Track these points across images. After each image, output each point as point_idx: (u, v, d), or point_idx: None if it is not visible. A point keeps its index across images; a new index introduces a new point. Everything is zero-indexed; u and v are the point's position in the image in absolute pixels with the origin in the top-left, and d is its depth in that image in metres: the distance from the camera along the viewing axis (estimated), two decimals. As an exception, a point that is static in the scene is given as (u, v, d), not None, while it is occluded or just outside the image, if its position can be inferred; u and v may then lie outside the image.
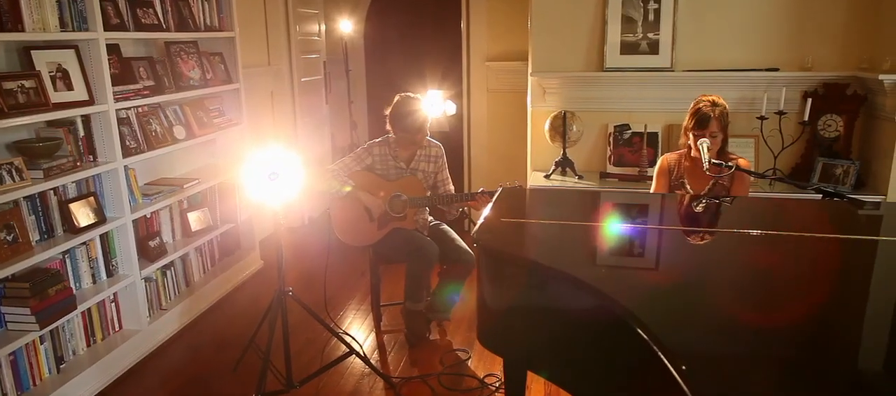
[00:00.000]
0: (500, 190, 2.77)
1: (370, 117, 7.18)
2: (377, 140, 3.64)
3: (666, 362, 1.35)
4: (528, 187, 4.06)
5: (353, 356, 3.33)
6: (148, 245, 3.66)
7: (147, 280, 3.64)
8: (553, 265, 1.94)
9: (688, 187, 3.05)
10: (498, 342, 2.08)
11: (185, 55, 3.94)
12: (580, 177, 4.05)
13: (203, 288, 4.10)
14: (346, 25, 6.31)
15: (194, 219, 4.10)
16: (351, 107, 6.63)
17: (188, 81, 3.92)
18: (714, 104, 2.95)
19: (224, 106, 4.38)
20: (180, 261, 3.99)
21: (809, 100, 3.78)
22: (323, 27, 6.05)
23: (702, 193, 2.99)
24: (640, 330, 1.47)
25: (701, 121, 2.92)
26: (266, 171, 2.81)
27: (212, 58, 4.22)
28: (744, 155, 3.86)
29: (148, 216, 3.72)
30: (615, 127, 4.11)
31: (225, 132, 4.29)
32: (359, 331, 3.81)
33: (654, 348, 1.40)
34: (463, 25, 5.37)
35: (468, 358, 3.46)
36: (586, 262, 2.09)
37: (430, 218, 3.76)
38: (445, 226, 3.73)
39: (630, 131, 4.09)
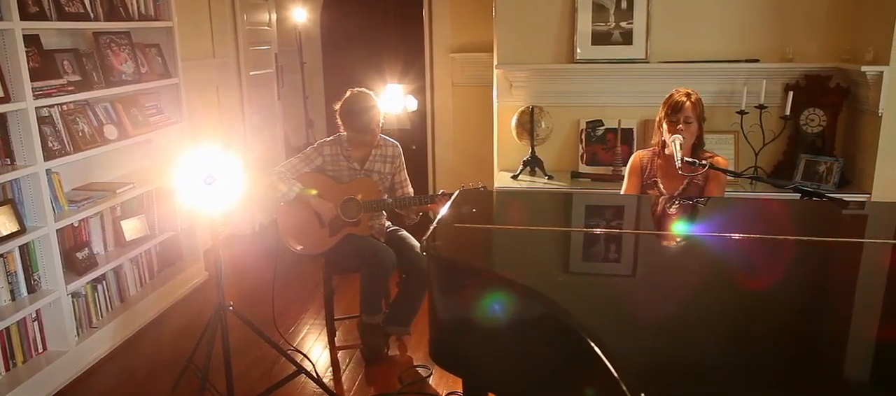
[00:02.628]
0: (457, 192, 2.75)
1: (328, 114, 7.11)
2: (328, 139, 3.60)
3: (623, 387, 1.34)
4: (494, 189, 4.05)
5: (303, 375, 3.28)
6: (75, 257, 3.57)
7: (74, 295, 3.55)
8: (507, 274, 1.92)
9: (661, 187, 3.06)
10: (450, 358, 2.06)
11: (116, 47, 3.85)
12: (550, 178, 4.05)
13: (139, 304, 4.02)
14: (301, 14, 6.25)
15: (129, 228, 4.01)
16: (306, 102, 6.57)
17: (120, 76, 3.83)
18: (688, 94, 2.99)
19: (162, 103, 4.30)
20: (113, 274, 3.90)
21: (791, 94, 3.83)
22: (274, 16, 5.98)
23: (675, 194, 3.01)
24: (593, 345, 1.45)
25: (674, 107, 2.94)
26: (202, 175, 2.76)
27: (147, 50, 4.14)
28: (723, 152, 3.90)
29: (75, 224, 3.63)
30: (587, 123, 4.12)
31: (163, 131, 4.21)
32: (312, 348, 3.76)
33: (609, 366, 1.38)
34: (425, 13, 5.35)
35: (429, 376, 3.43)
36: (546, 271, 2.08)
37: (388, 223, 3.73)
38: (404, 232, 3.70)
39: (603, 127, 4.11)
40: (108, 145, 3.72)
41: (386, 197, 3.61)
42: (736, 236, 2.24)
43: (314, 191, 3.46)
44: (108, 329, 3.73)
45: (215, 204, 2.82)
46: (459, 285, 2.02)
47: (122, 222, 3.97)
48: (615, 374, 1.35)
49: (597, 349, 1.44)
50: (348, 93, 3.48)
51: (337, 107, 3.49)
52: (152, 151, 4.36)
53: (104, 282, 3.80)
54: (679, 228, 2.58)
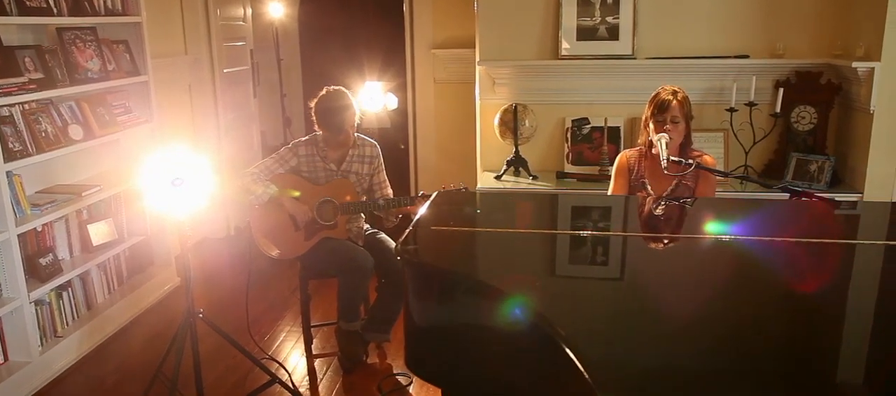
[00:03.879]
0: (435, 194, 2.73)
1: (306, 112, 7.00)
2: (303, 138, 3.58)
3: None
4: (476, 190, 4.04)
5: (278, 384, 3.25)
6: (38, 263, 3.53)
7: (38, 303, 3.51)
8: (485, 279, 1.91)
9: (649, 188, 3.06)
10: (427, 367, 2.04)
11: (81, 43, 3.81)
12: (534, 178, 4.05)
13: (107, 311, 3.98)
14: (277, 9, 6.21)
15: (96, 232, 3.97)
16: (284, 100, 6.54)
17: (85, 73, 3.79)
18: (675, 91, 2.99)
19: (131, 101, 4.26)
20: (79, 281, 3.86)
21: (781, 90, 3.85)
22: (249, 11, 5.94)
23: (664, 194, 3.01)
24: (570, 353, 1.44)
25: (661, 106, 2.94)
26: (169, 177, 2.72)
27: (115, 46, 4.09)
28: (712, 150, 3.91)
29: (38, 229, 3.59)
30: (573, 121, 4.12)
31: (131, 131, 4.17)
32: (288, 356, 3.73)
33: (585, 375, 1.37)
34: (406, 8, 5.34)
35: (410, 384, 3.42)
36: (526, 275, 2.06)
37: (367, 225, 3.71)
38: (383, 235, 3.68)
39: (589, 126, 4.11)
40: (73, 146, 3.68)
41: (364, 198, 3.59)
42: (726, 238, 2.24)
43: (292, 193, 3.44)
44: (74, 338, 3.69)
45: (183, 207, 2.78)
46: (436, 291, 2.01)
47: (88, 226, 3.92)
48: (590, 382, 1.34)
49: (572, 356, 1.43)
50: (324, 91, 3.46)
51: (312, 105, 3.47)
52: (120, 152, 4.32)
53: (70, 289, 3.76)
54: (672, 230, 2.59)
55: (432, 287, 2.01)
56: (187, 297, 2.93)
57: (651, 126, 2.98)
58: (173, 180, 2.73)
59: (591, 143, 4.12)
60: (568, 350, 1.47)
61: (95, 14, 3.89)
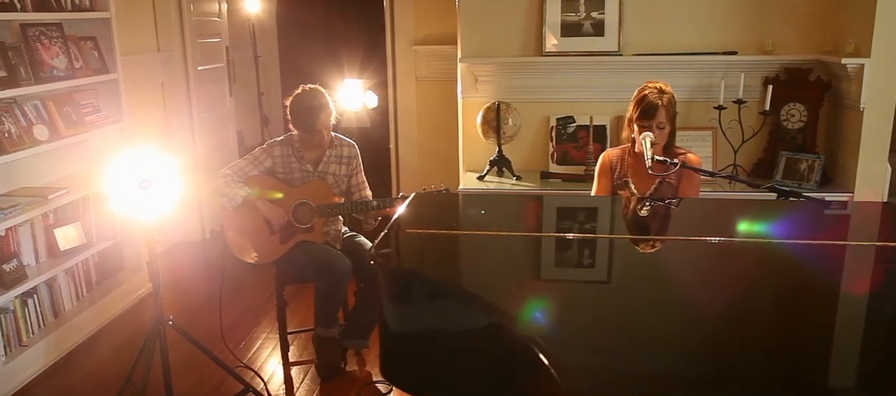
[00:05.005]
0: (412, 196, 2.72)
1: (285, 111, 7.05)
2: (278, 139, 3.56)
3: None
4: (459, 191, 4.03)
5: (252, 393, 3.23)
6: (2, 269, 3.48)
7: (2, 311, 3.47)
8: (462, 284, 1.90)
9: (632, 188, 3.07)
10: (404, 376, 2.03)
11: (46, 40, 3.77)
12: (518, 178, 4.04)
13: (76, 319, 3.94)
14: (254, 5, 6.18)
15: (63, 237, 3.92)
16: (261, 99, 6.52)
17: (51, 71, 3.75)
18: (661, 91, 2.97)
19: (100, 100, 4.21)
20: (46, 287, 3.82)
21: (770, 87, 3.87)
22: (224, 7, 5.91)
23: (647, 195, 3.01)
24: (543, 359, 1.44)
25: (647, 111, 2.94)
26: (136, 178, 2.70)
27: (82, 43, 4.06)
28: (701, 149, 3.92)
29: (2, 234, 3.54)
30: (557, 120, 4.12)
31: (100, 131, 4.12)
32: (264, 364, 3.71)
33: (560, 384, 1.37)
34: (386, 3, 5.32)
35: (389, 392, 3.40)
36: (503, 280, 2.05)
37: (345, 228, 3.70)
38: (362, 238, 3.67)
39: (574, 124, 4.11)
40: (38, 147, 3.64)
41: (342, 200, 3.58)
42: (714, 240, 2.24)
43: (267, 195, 3.42)
44: (39, 346, 3.65)
45: (151, 210, 2.76)
46: (411, 297, 2.00)
47: (55, 230, 3.88)
48: (565, 391, 1.34)
49: (547, 363, 1.42)
50: (298, 90, 3.45)
51: (287, 104, 3.46)
52: (89, 153, 4.27)
53: (35, 296, 3.72)
54: (657, 232, 2.59)
55: (407, 292, 2.00)
56: (156, 304, 2.90)
57: (635, 127, 2.98)
58: (141, 182, 2.70)
59: (576, 142, 4.12)
60: (542, 357, 1.46)
61: (62, 9, 3.85)
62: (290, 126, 3.48)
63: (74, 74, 3.90)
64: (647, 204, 2.85)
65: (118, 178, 2.72)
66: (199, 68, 5.47)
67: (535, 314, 1.79)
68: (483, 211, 2.67)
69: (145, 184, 2.71)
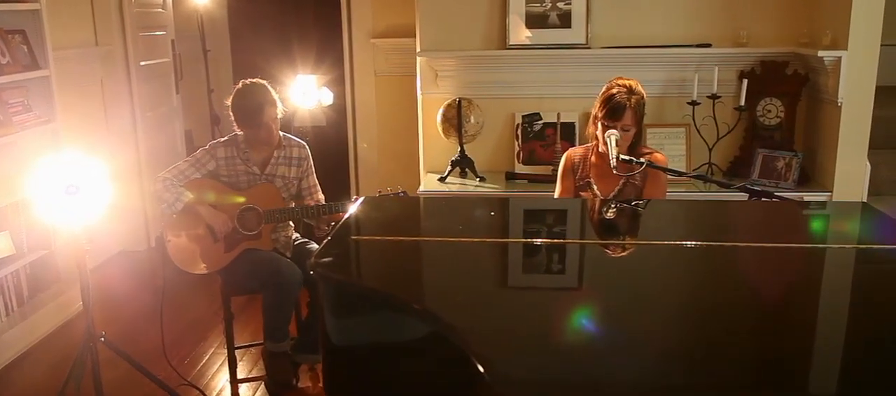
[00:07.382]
0: (360, 200, 2.70)
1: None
2: (222, 139, 3.52)
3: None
4: (419, 193, 4.02)
5: (194, 414, 3.19)
6: (-80, 283, 3.41)
7: (-80, 329, 3.40)
8: (402, 295, 1.89)
9: (595, 189, 3.08)
10: (345, 393, 2.02)
11: (-31, 34, 3.70)
12: (482, 179, 4.05)
13: (4, 336, 3.87)
14: (202, -6, 6.12)
15: (-10, 247, 3.86)
16: (211, 96, 6.45)
17: (-26, 68, 3.68)
18: (630, 91, 2.98)
19: (30, 99, 4.14)
20: (-30, 302, 3.75)
21: (745, 82, 3.91)
22: (169, -3, 5.85)
23: (610, 196, 3.02)
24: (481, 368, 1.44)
25: (612, 111, 2.94)
26: (62, 184, 2.65)
27: (9, 37, 3.98)
28: (674, 147, 3.96)
29: (-80, 245, 3.47)
30: (523, 117, 4.13)
31: (30, 132, 4.05)
32: (210, 381, 3.67)
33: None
34: (342, -8, 5.31)
35: (343, 409, 3.38)
36: (450, 290, 2.04)
37: (296, 235, 3.67)
38: (315, 245, 3.63)
39: (541, 122, 4.12)
40: (-41, 150, 3.57)
41: (292, 205, 3.55)
42: (690, 244, 2.25)
43: (210, 200, 3.38)
44: (-37, 367, 3.58)
45: (79, 217, 2.72)
46: (354, 310, 1.98)
47: (-20, 240, 3.81)
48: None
49: (485, 374, 1.42)
50: (240, 85, 3.42)
51: (228, 102, 3.42)
52: (18, 155, 4.18)
53: (-42, 312, 3.65)
54: (623, 236, 2.60)
55: (349, 304, 1.99)
56: (87, 319, 2.86)
57: (600, 126, 2.99)
58: (67, 188, 2.66)
59: (543, 141, 4.13)
60: (480, 367, 1.46)
61: (-15, 1, 3.78)
62: (234, 125, 3.44)
63: (1, 71, 3.83)
64: (612, 206, 2.86)
65: (43, 184, 2.67)
66: (142, 63, 5.41)
67: (488, 324, 1.78)
68: (411, 216, 2.62)
69: (72, 189, 2.67)
